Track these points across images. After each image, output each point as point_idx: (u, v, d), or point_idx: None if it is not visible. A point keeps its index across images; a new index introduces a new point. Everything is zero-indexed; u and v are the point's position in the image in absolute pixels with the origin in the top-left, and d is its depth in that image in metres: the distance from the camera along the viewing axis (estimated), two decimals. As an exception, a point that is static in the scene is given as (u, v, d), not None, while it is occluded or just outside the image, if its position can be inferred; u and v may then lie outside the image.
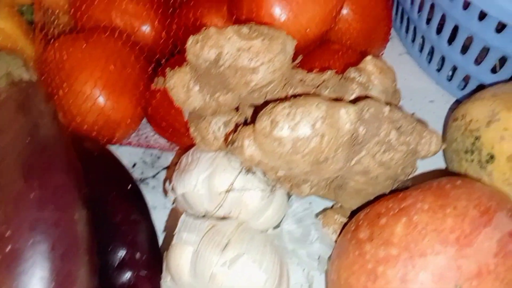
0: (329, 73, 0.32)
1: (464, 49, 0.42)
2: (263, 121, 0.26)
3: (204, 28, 0.29)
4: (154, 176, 0.43)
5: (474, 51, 0.41)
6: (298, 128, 0.26)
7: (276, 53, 0.29)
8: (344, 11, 0.44)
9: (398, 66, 0.53)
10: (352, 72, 0.34)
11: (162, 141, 0.42)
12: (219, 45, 0.28)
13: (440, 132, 0.45)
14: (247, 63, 0.28)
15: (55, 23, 0.45)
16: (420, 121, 0.31)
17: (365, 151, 0.28)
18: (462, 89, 0.47)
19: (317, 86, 0.31)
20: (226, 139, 0.32)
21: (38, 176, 0.26)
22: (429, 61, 0.49)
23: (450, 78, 0.47)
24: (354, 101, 0.29)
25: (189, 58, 0.30)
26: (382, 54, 0.50)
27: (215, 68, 0.29)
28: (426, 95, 0.50)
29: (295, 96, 0.29)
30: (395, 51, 0.54)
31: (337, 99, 0.29)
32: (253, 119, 0.29)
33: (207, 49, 0.28)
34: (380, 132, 0.28)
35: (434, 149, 0.30)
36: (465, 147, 0.36)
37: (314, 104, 0.26)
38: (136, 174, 0.43)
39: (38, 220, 0.25)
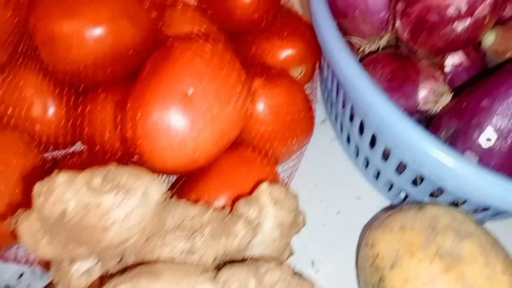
0: (210, 213, 0.29)
1: (385, 156, 0.39)
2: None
3: (54, 173, 0.25)
4: (41, 290, 0.39)
5: (393, 161, 0.38)
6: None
7: (133, 208, 0.25)
8: (259, 107, 0.40)
9: (328, 152, 0.49)
10: (241, 207, 0.30)
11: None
12: (63, 200, 0.24)
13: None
14: (96, 221, 0.24)
15: None
16: (305, 280, 0.27)
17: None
18: (389, 189, 0.43)
19: (193, 233, 0.28)
20: (87, 290, 0.28)
21: None
22: (357, 155, 0.46)
23: (376, 177, 0.44)
24: (224, 264, 0.26)
25: (35, 208, 0.25)
26: (306, 145, 0.46)
27: (62, 223, 0.25)
28: (353, 190, 0.46)
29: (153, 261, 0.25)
30: (326, 135, 0.50)
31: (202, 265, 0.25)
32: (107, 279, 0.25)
33: (50, 204, 0.24)
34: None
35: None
36: (372, 283, 0.33)
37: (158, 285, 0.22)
38: (21, 287, 0.39)
39: None
